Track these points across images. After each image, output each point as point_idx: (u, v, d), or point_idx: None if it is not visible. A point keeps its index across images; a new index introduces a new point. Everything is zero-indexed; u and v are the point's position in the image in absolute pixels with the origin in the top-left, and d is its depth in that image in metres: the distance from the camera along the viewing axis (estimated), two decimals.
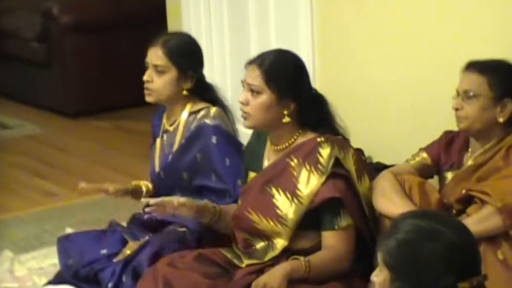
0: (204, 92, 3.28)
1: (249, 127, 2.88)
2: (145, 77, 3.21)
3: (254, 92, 2.79)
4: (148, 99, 3.25)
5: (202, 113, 3.23)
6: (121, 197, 3.36)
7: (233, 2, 4.53)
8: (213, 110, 3.23)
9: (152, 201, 2.90)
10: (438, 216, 2.03)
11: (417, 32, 3.64)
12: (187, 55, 3.22)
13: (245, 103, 2.80)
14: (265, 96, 2.79)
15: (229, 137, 3.22)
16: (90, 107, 6.07)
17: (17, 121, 6.05)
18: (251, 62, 2.83)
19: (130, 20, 6.06)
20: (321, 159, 2.76)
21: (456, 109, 2.84)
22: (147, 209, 2.93)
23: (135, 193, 3.36)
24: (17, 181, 4.79)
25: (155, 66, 3.19)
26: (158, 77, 3.19)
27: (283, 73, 2.79)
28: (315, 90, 2.93)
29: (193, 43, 3.32)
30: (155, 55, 3.19)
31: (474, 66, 2.85)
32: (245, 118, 2.83)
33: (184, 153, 3.24)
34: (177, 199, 2.90)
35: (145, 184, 3.39)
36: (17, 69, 6.46)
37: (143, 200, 3.02)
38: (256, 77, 2.78)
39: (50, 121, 6.04)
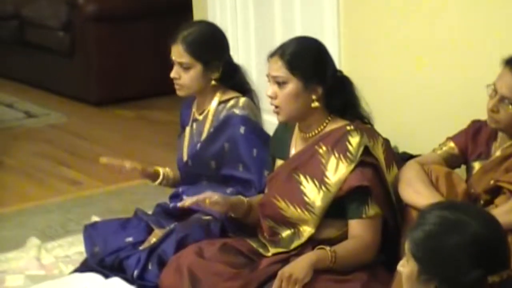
0: (233, 76, 3.27)
1: (283, 121, 2.87)
2: (172, 74, 3.22)
3: (280, 83, 2.78)
4: (179, 93, 3.26)
5: (231, 102, 3.23)
6: (138, 177, 3.34)
7: None
8: (242, 100, 3.23)
9: (188, 202, 2.89)
10: (466, 208, 1.99)
11: (445, 19, 3.61)
12: (209, 47, 3.20)
13: (274, 97, 2.79)
14: (292, 85, 2.77)
15: (257, 128, 3.21)
16: (113, 96, 6.07)
17: (42, 110, 6.05)
18: (272, 55, 2.81)
19: (153, 9, 6.07)
20: (350, 147, 2.74)
21: (492, 110, 2.76)
22: (179, 204, 2.92)
23: (153, 177, 3.38)
24: (41, 170, 4.80)
25: (180, 64, 3.19)
26: (184, 73, 3.20)
27: (305, 58, 2.78)
28: (341, 72, 2.91)
29: (213, 31, 3.30)
30: (178, 53, 3.19)
31: None
32: (277, 113, 2.82)
33: (212, 142, 3.23)
34: (209, 198, 2.87)
35: (166, 171, 3.40)
36: (42, 58, 6.47)
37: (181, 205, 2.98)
38: (279, 68, 2.77)
39: (74, 110, 6.04)
